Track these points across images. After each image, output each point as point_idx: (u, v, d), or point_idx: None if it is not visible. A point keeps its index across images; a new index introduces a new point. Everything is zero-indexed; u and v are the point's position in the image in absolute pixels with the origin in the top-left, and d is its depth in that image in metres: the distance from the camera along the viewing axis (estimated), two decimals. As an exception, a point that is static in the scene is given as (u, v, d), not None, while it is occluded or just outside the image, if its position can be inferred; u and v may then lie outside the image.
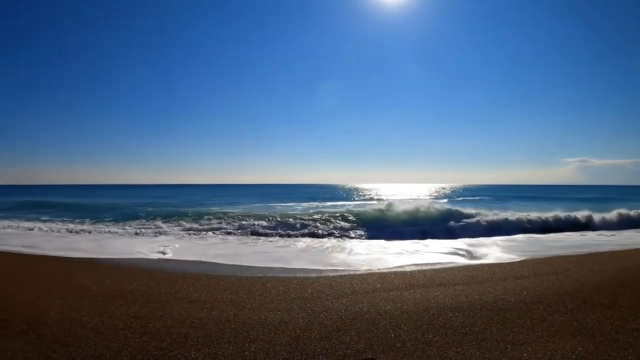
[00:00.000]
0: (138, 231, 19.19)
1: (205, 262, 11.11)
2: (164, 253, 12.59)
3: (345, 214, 23.70)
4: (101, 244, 14.58)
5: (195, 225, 20.84)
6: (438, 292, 7.08)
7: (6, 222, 22.97)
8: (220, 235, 18.05)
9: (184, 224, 21.27)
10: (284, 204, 43.80)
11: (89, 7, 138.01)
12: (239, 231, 19.54)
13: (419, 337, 4.88)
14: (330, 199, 58.20)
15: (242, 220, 22.30)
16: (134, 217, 25.52)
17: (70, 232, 19.19)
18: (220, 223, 21.11)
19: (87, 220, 24.24)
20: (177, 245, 14.10)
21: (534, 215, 22.95)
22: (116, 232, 18.88)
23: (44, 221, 24.42)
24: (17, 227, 21.37)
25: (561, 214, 23.18)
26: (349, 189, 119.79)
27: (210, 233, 18.88)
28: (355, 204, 45.54)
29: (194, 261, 11.29)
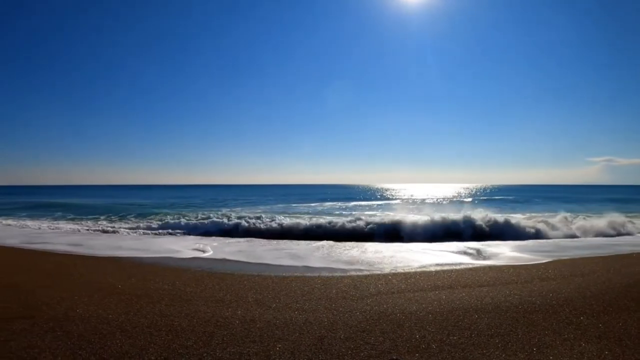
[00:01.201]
0: (167, 230, 19.62)
1: (229, 261, 11.29)
2: (203, 251, 12.97)
3: (368, 214, 23.63)
4: (142, 243, 15.11)
5: (218, 224, 21.09)
6: (463, 294, 7.07)
7: (34, 222, 23.54)
8: (245, 236, 18.22)
9: (208, 223, 21.51)
10: (306, 205, 43.92)
11: (96, 9, 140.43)
12: (262, 231, 19.70)
13: (444, 339, 4.88)
14: (353, 200, 58.31)
15: (265, 220, 22.46)
16: (161, 216, 25.89)
17: (105, 231, 19.73)
18: (243, 223, 21.28)
19: (117, 219, 24.68)
20: (205, 245, 14.31)
21: (556, 218, 22.37)
22: (150, 232, 19.37)
23: (71, 220, 24.97)
24: (39, 227, 21.80)
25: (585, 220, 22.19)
26: (372, 190, 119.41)
27: (235, 232, 19.13)
28: (378, 204, 45.57)
29: (218, 260, 11.47)
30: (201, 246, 14.06)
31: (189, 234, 18.77)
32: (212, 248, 13.60)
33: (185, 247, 13.77)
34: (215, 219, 22.79)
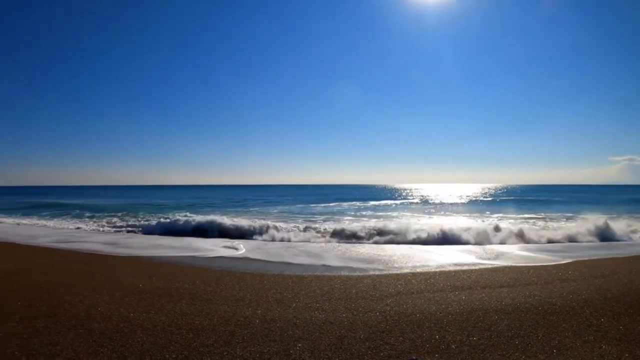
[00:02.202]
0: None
1: (250, 259, 11.42)
2: (236, 249, 13.26)
3: (384, 215, 23.57)
4: (177, 242, 15.33)
5: (241, 225, 21.18)
6: (483, 294, 7.06)
7: (62, 222, 23.90)
8: (263, 235, 18.30)
9: (230, 224, 21.59)
10: (325, 205, 43.92)
11: (104, 9, 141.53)
12: (282, 231, 19.76)
13: (464, 340, 4.89)
14: (372, 199, 58.32)
15: (285, 220, 22.54)
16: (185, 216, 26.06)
17: (129, 231, 20.20)
18: (263, 223, 21.34)
19: (144, 219, 24.93)
20: (233, 244, 14.53)
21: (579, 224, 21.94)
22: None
23: (94, 219, 25.27)
24: (67, 227, 22.14)
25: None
26: (392, 190, 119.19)
27: (256, 233, 19.23)
28: (396, 204, 45.42)
29: (239, 258, 11.62)
30: (230, 245, 14.32)
31: (214, 237, 18.86)
32: (235, 247, 13.75)
33: (216, 246, 14.02)
34: (236, 220, 22.80)
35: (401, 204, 50.40)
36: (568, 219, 23.60)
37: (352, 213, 31.74)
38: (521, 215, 26.58)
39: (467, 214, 28.80)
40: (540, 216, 26.49)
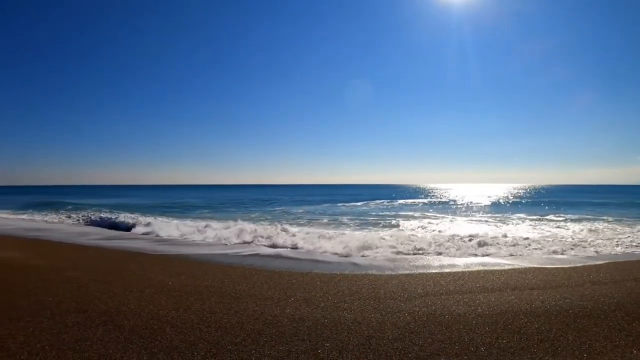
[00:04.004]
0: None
1: (281, 257, 11.65)
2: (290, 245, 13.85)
3: (406, 215, 23.44)
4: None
5: (266, 225, 21.31)
6: (512, 296, 7.02)
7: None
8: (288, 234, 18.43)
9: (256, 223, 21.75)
10: (352, 205, 43.88)
11: (111, 11, 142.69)
12: (306, 230, 19.84)
13: (493, 342, 4.89)
14: (399, 198, 58.26)
15: (309, 220, 22.60)
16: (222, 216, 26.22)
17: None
18: (289, 223, 21.46)
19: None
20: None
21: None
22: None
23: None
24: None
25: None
26: (420, 190, 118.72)
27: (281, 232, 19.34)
28: (423, 203, 45.17)
29: (270, 256, 11.85)
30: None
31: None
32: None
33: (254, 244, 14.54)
34: (263, 219, 22.85)
35: (428, 202, 50.28)
36: (595, 220, 23.16)
37: (374, 213, 31.61)
38: (545, 217, 26.12)
39: (492, 215, 28.49)
40: (564, 218, 26.03)
